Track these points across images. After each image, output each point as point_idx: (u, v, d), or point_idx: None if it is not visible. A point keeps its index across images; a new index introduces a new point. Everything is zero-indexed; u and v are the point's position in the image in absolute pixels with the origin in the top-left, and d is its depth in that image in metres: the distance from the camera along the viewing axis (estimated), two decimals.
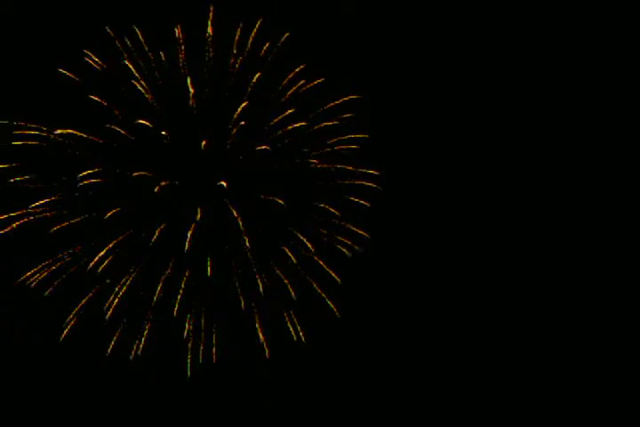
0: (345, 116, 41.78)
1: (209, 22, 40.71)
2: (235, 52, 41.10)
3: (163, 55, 40.66)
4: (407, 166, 43.85)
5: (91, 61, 40.42)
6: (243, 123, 40.94)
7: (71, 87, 40.28)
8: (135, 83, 40.51)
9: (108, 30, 40.27)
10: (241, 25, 40.97)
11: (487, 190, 44.31)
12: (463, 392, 43.77)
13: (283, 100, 41.62)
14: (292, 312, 41.64)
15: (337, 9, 42.76)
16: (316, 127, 41.74)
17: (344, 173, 41.94)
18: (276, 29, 41.14)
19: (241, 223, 40.73)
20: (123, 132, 40.46)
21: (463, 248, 44.33)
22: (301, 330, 41.62)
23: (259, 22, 40.94)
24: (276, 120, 41.50)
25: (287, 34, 41.11)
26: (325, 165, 41.86)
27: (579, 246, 44.48)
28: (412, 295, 43.84)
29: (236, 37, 40.97)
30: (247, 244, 40.87)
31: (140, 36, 40.44)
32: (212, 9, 40.62)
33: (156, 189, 40.15)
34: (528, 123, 44.57)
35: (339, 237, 41.88)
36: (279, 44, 41.21)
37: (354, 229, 41.91)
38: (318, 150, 41.97)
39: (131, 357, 41.10)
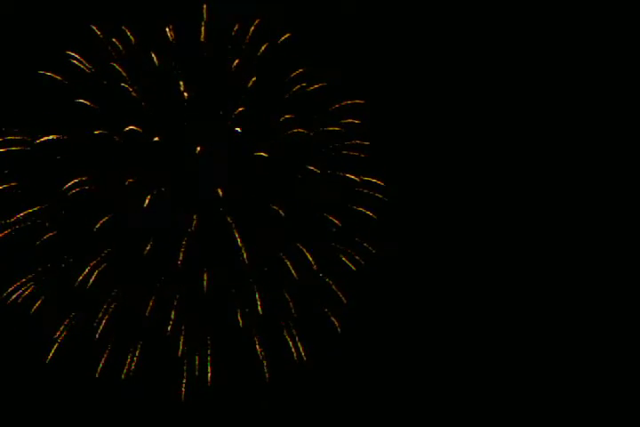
0: (347, 121, 41.11)
1: (202, 23, 40.22)
2: (230, 54, 40.48)
3: (154, 57, 40.00)
4: (411, 175, 43.09)
5: (77, 62, 39.86)
6: (239, 129, 40.16)
7: (56, 90, 39.74)
8: (126, 86, 39.89)
9: (96, 30, 39.70)
10: (237, 26, 40.47)
11: (495, 205, 43.74)
12: (467, 412, 42.76)
13: (281, 104, 40.90)
14: (292, 329, 40.57)
15: (337, 9, 41.92)
16: (315, 133, 40.96)
17: (346, 181, 41.17)
18: (275, 30, 40.73)
19: (238, 234, 39.59)
20: (115, 138, 39.69)
21: (470, 259, 43.50)
22: (301, 346, 40.52)
23: (255, 23, 40.45)
24: (274, 125, 40.69)
25: (288, 34, 40.67)
26: (327, 173, 40.95)
27: (589, 258, 43.96)
28: (417, 309, 42.87)
29: (232, 39, 40.42)
30: (245, 256, 39.72)
31: (131, 37, 39.90)
32: (205, 8, 40.07)
33: (148, 198, 39.13)
34: (530, 122, 44.24)
35: (340, 247, 40.94)
36: (268, 50, 40.66)
37: (357, 240, 40.99)
38: (319, 157, 41.09)
39: (122, 376, 40.00)
